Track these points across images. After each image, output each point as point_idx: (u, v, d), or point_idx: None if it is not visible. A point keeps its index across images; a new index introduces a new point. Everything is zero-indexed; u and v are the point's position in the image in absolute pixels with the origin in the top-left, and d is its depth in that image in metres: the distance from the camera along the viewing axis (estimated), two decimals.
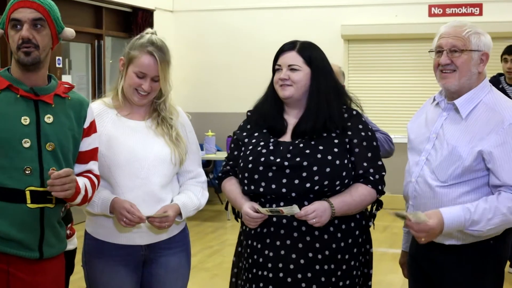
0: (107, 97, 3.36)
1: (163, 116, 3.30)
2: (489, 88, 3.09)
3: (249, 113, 3.39)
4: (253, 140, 3.25)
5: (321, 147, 3.10)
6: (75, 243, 4.20)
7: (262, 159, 3.13)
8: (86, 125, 2.98)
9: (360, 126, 3.20)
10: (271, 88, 3.28)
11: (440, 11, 9.87)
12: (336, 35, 10.21)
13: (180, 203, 3.25)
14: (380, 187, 3.17)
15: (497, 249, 3.09)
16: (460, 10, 9.77)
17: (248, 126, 3.34)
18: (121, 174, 3.18)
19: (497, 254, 3.10)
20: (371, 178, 3.15)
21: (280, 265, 3.10)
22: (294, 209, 3.00)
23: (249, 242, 3.21)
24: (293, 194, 3.07)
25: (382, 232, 8.57)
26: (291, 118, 3.24)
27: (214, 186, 8.64)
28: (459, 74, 3.04)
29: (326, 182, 3.06)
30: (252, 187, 3.15)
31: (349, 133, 3.16)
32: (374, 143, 3.21)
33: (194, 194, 3.34)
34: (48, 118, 2.83)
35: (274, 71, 3.25)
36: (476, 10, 9.70)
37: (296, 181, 3.06)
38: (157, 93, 3.29)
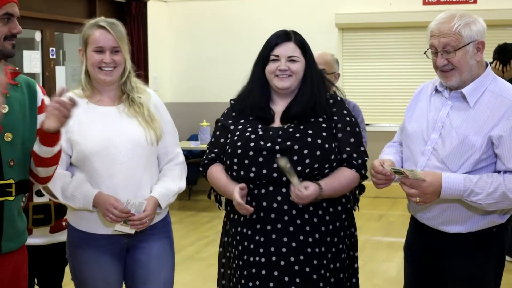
0: (77, 89, 3.36)
1: (132, 97, 3.30)
2: (493, 75, 3.09)
3: (232, 102, 3.40)
4: (240, 126, 3.26)
5: (310, 131, 3.15)
6: None
7: (252, 144, 3.15)
8: (39, 104, 2.95)
9: (345, 112, 3.26)
10: (258, 76, 3.29)
11: None
12: (330, 24, 10.18)
13: (157, 194, 3.25)
14: (363, 172, 3.23)
15: (500, 237, 3.12)
16: None
17: (233, 114, 3.35)
18: (99, 161, 3.18)
19: (500, 241, 3.13)
20: (354, 162, 3.20)
21: (272, 249, 3.13)
22: (299, 186, 3.01)
23: (238, 229, 3.22)
24: (284, 179, 3.09)
25: (378, 220, 8.60)
26: (278, 107, 3.28)
27: None
28: (458, 71, 3.01)
29: (316, 165, 3.10)
30: (242, 173, 3.16)
31: (335, 118, 3.22)
32: (357, 129, 3.26)
33: (172, 179, 3.34)
34: (4, 108, 2.77)
35: (267, 61, 3.25)
36: None
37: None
38: (122, 68, 3.29)
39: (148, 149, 3.26)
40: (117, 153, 3.19)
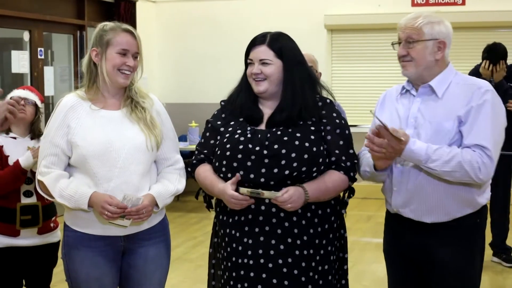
0: (80, 90, 3.35)
1: (136, 101, 3.31)
2: (455, 71, 3.27)
3: (223, 103, 3.39)
4: (230, 128, 3.25)
5: (298, 134, 3.14)
6: (58, 235, 4.19)
7: (241, 146, 3.14)
8: None
9: (334, 114, 3.25)
10: (245, 79, 3.30)
11: (423, 0, 9.87)
12: (319, 25, 10.20)
13: (155, 192, 3.25)
14: (352, 174, 3.22)
15: (482, 227, 3.26)
16: (443, 0, 9.78)
17: (223, 115, 3.34)
18: (98, 164, 3.17)
19: (482, 231, 3.27)
20: (343, 165, 3.19)
21: (260, 251, 3.12)
22: (276, 194, 3.04)
23: (227, 230, 3.21)
24: (271, 183, 3.09)
25: (366, 222, 8.60)
26: (266, 109, 3.26)
27: None
28: (415, 63, 3.20)
29: (304, 169, 3.09)
30: (230, 175, 3.15)
31: (324, 121, 3.21)
32: (347, 132, 3.25)
33: (170, 182, 3.34)
34: None
35: (247, 64, 3.27)
36: None
37: (275, 170, 3.08)
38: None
39: (148, 155, 3.26)
40: (117, 157, 3.18)
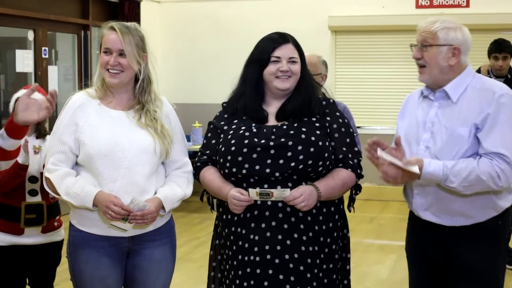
0: (91, 88, 3.35)
1: (147, 108, 3.29)
2: (474, 73, 3.25)
3: (225, 104, 3.40)
4: (233, 126, 3.27)
5: (304, 129, 3.18)
6: (62, 234, 4.19)
7: (246, 141, 3.16)
8: None
9: (337, 114, 3.31)
10: (251, 80, 3.28)
11: (427, 2, 9.87)
12: (323, 26, 10.20)
13: (162, 196, 3.23)
14: (358, 171, 3.26)
15: (505, 229, 3.28)
16: (447, 2, 9.77)
17: (225, 115, 3.35)
18: (104, 164, 3.16)
19: (505, 233, 3.29)
20: (350, 162, 3.23)
21: (267, 247, 3.13)
22: (285, 193, 3.05)
23: (232, 229, 3.22)
24: (277, 174, 3.10)
25: (369, 223, 8.60)
26: (272, 108, 3.29)
27: None
28: (429, 68, 3.23)
29: (310, 162, 3.11)
30: (234, 170, 3.15)
31: (328, 118, 3.26)
32: (351, 130, 3.31)
33: (178, 185, 3.32)
34: None
35: (265, 63, 3.24)
36: (463, 1, 9.69)
37: (281, 161, 3.10)
38: (131, 73, 3.26)
39: (155, 158, 3.25)
40: (123, 157, 3.17)
